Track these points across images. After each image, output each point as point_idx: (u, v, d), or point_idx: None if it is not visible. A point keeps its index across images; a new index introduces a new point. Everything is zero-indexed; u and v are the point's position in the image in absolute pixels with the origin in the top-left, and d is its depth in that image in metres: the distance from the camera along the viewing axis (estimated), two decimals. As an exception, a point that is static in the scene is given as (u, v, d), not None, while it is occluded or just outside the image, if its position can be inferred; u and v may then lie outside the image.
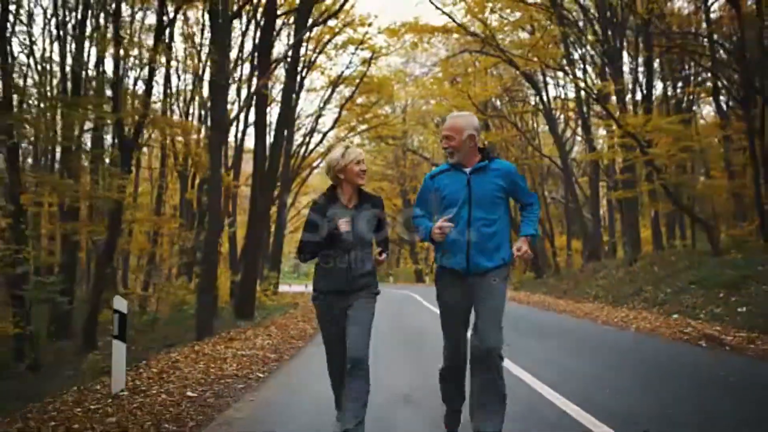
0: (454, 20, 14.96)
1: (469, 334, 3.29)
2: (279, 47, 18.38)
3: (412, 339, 8.35)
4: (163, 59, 11.97)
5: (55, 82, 14.67)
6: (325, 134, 25.60)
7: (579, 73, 17.98)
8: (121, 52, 9.76)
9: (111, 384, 4.85)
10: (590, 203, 21.07)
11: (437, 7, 13.91)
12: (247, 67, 16.72)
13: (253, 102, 11.94)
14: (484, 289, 3.19)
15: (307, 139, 24.84)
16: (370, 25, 22.87)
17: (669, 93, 19.35)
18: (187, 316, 14.72)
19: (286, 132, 13.80)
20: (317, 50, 21.47)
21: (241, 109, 13.26)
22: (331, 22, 20.16)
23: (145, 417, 4.01)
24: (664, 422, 3.66)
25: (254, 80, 13.42)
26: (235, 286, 16.50)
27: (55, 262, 13.81)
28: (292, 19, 15.94)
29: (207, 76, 13.97)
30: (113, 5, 10.05)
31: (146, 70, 11.48)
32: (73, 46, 12.44)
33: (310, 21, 13.91)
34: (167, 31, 11.47)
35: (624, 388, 4.69)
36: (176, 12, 10.07)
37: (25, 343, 8.97)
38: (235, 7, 9.61)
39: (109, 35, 11.06)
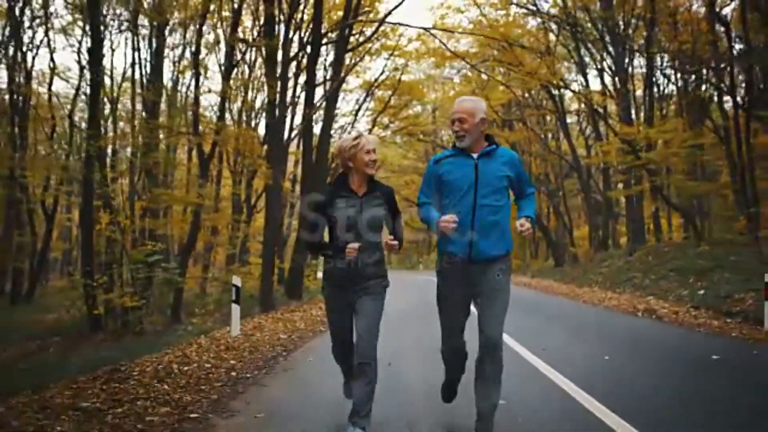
0: (465, 59, 17.41)
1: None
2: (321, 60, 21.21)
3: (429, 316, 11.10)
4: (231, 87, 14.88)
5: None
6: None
7: (592, 78, 20.36)
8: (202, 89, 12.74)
9: (230, 331, 7.77)
10: (603, 198, 23.34)
11: (449, 50, 16.29)
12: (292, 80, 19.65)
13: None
14: (489, 284, 3.24)
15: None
16: (401, 35, 25.48)
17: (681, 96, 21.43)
18: (244, 297, 17.78)
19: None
20: (353, 61, 24.20)
21: (296, 135, 16.09)
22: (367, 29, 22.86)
23: (260, 345, 6.90)
24: (572, 348, 6.34)
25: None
26: (282, 272, 19.46)
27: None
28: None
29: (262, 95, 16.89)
30: (194, 47, 12.97)
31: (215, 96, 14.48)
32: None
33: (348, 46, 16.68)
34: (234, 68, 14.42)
35: (562, 337, 7.36)
36: (243, 54, 12.91)
37: (139, 313, 12.09)
38: (291, 54, 12.45)
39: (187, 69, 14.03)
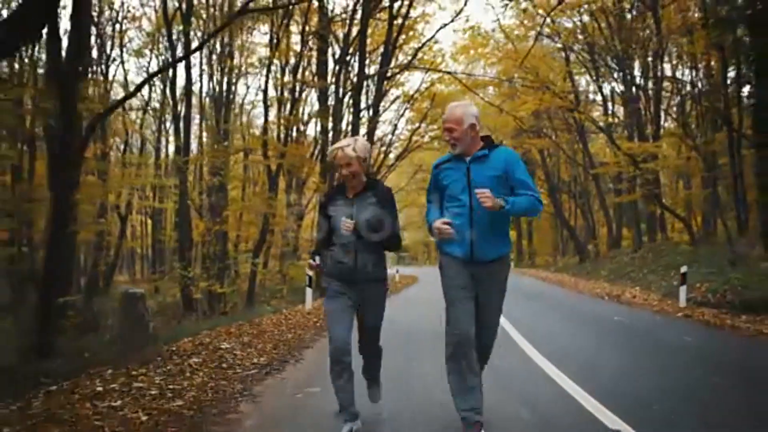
0: (481, 97, 20.57)
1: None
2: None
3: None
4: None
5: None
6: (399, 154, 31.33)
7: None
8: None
9: (305, 307, 11.31)
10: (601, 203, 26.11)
11: (472, 91, 19.50)
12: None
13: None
14: (488, 280, 3.39)
15: (385, 146, 31.09)
16: (438, 51, 28.69)
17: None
18: (299, 285, 21.51)
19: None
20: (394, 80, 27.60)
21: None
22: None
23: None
24: (537, 319, 9.58)
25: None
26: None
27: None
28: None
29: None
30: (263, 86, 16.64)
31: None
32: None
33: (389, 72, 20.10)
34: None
35: (534, 313, 10.59)
36: (302, 92, 16.51)
37: (224, 297, 15.84)
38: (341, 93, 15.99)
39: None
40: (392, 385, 4.48)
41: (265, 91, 16.97)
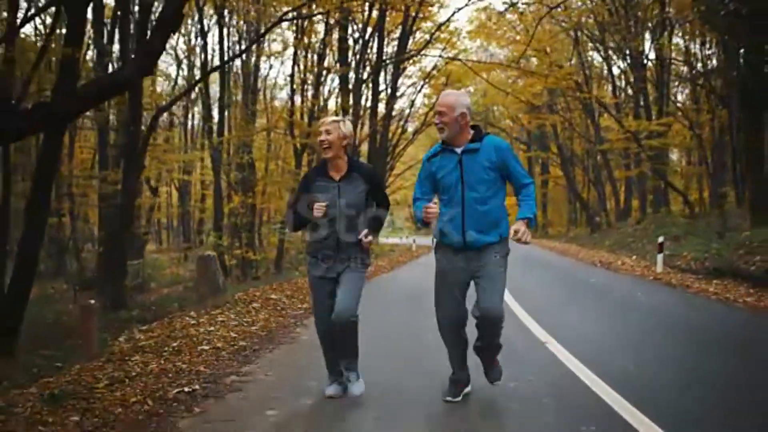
0: (486, 80, 21.99)
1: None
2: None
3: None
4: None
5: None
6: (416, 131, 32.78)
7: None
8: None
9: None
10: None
11: (481, 77, 20.89)
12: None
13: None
14: (485, 261, 3.43)
15: (403, 120, 32.65)
16: (454, 30, 29.98)
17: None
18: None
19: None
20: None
21: (365, 138, 21.43)
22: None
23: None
24: (524, 280, 11.32)
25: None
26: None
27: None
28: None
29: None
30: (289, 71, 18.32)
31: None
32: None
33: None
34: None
35: (524, 275, 12.31)
36: (326, 77, 18.20)
37: (255, 264, 17.82)
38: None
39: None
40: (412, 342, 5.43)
41: (291, 77, 18.65)
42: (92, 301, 5.37)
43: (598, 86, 28.26)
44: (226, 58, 16.50)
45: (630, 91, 24.56)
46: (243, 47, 17.35)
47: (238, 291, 10.08)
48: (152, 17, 10.67)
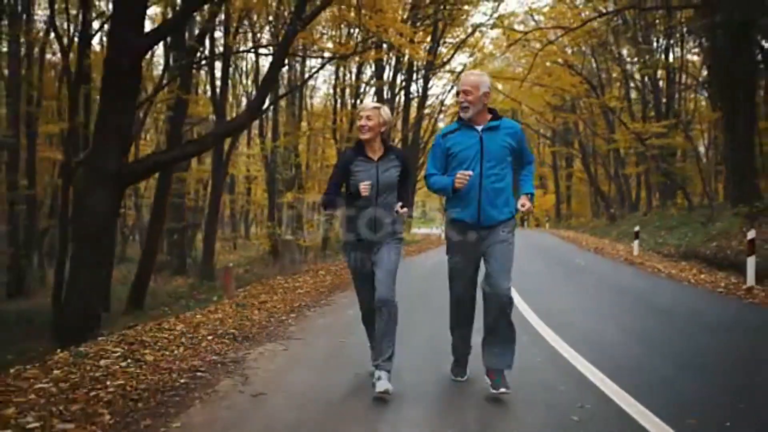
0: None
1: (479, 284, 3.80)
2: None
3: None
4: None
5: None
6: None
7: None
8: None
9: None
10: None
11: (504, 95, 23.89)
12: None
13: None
14: (496, 239, 3.66)
15: (434, 119, 35.77)
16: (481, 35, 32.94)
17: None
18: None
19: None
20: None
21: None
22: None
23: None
24: (526, 263, 14.50)
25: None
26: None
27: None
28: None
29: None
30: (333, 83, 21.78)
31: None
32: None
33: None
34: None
35: (527, 258, 15.44)
36: (365, 90, 21.82)
37: (304, 249, 21.36)
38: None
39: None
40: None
41: (335, 89, 22.12)
42: (231, 264, 8.85)
43: (615, 88, 30.86)
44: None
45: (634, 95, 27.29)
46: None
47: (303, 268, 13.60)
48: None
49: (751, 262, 8.52)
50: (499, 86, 38.01)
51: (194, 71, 14.54)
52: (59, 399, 3.52)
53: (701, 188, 25.82)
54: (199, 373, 4.31)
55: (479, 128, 3.68)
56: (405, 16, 19.05)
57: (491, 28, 23.82)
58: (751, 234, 8.71)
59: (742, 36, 14.83)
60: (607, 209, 33.67)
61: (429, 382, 4.08)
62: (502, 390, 3.59)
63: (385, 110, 3.92)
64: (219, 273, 14.06)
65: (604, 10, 22.11)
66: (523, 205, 3.67)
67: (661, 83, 25.69)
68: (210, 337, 5.43)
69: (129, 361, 4.44)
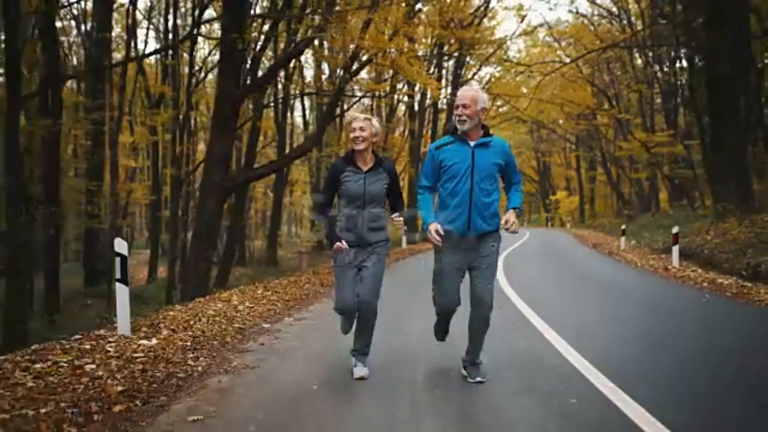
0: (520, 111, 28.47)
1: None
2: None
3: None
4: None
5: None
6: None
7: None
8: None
9: (402, 246, 20.20)
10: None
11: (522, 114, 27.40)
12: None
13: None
14: (483, 249, 3.89)
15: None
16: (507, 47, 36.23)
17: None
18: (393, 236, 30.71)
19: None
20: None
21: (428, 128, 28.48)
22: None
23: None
24: (524, 254, 17.91)
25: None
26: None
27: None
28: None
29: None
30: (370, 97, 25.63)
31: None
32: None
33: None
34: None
35: (528, 250, 18.82)
36: (397, 106, 25.41)
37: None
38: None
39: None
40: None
41: (371, 106, 25.88)
42: (302, 250, 12.63)
43: (627, 100, 33.81)
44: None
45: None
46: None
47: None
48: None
49: (675, 249, 11.97)
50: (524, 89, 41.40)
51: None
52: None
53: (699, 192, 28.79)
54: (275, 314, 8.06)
55: (472, 144, 3.84)
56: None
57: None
58: (675, 229, 12.12)
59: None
60: (620, 210, 36.59)
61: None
62: (479, 379, 4.00)
63: (376, 122, 4.12)
64: (281, 260, 17.89)
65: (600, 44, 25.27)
66: (506, 222, 3.84)
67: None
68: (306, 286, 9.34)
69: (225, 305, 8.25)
